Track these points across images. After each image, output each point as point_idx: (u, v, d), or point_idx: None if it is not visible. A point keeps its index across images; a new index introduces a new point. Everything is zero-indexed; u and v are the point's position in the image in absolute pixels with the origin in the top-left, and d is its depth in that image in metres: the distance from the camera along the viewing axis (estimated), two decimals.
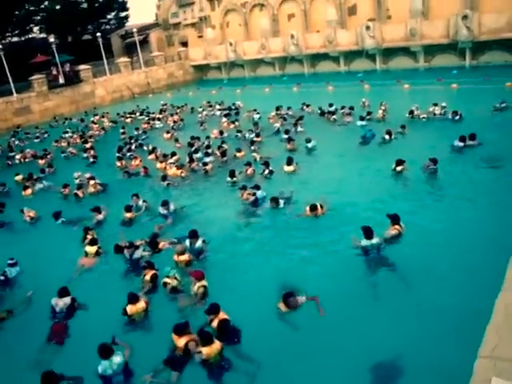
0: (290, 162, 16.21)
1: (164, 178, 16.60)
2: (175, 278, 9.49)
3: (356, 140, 18.86)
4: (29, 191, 17.67)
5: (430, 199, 12.66)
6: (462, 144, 15.90)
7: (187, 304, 9.00)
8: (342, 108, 23.64)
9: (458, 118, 19.75)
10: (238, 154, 18.61)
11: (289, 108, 25.94)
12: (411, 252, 9.87)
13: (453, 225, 10.84)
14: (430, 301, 8.27)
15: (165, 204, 13.66)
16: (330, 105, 24.66)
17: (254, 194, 13.77)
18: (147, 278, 9.74)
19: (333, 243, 10.67)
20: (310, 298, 8.47)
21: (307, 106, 26.10)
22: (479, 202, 11.87)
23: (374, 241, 9.77)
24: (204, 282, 9.15)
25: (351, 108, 23.43)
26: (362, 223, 10.16)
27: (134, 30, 48.59)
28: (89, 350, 7.48)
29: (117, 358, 7.30)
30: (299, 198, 13.52)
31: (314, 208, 11.90)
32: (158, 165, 18.77)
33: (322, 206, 12.02)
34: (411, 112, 21.14)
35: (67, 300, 9.29)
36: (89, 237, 12.07)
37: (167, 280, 9.43)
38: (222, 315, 7.89)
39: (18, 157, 23.96)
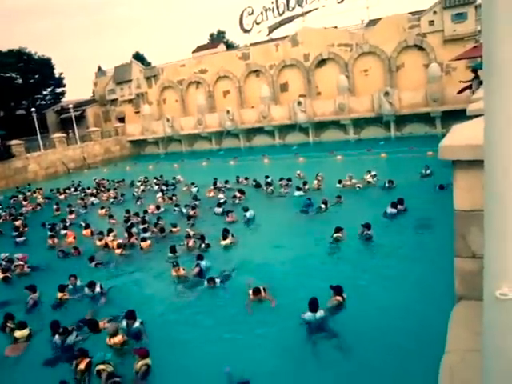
0: (225, 235, 16.09)
1: (92, 258, 15.67)
2: (109, 364, 8.81)
3: (294, 210, 19.25)
4: None
5: (368, 264, 12.92)
6: (394, 210, 16.63)
7: None
8: (281, 180, 24.20)
9: (392, 185, 20.71)
10: (174, 230, 18.35)
11: (226, 181, 26.24)
12: (353, 320, 9.86)
13: (392, 288, 11.05)
14: (374, 369, 8.19)
15: (91, 285, 12.89)
16: (267, 177, 25.26)
17: (198, 265, 13.52)
18: (81, 366, 8.87)
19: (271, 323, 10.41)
20: None
21: (245, 178, 26.46)
22: (416, 264, 12.25)
23: (318, 314, 9.68)
24: (148, 361, 8.78)
25: (289, 179, 24.09)
26: (304, 296, 10.09)
27: (70, 105, 48.53)
28: None
29: None
30: (239, 273, 13.30)
31: (257, 291, 11.19)
32: (98, 242, 17.95)
33: (265, 289, 11.32)
34: (340, 181, 22.18)
35: None
36: (9, 325, 11.18)
37: (101, 367, 8.69)
38: None
39: None
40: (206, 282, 12.39)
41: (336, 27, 44.40)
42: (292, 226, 17.64)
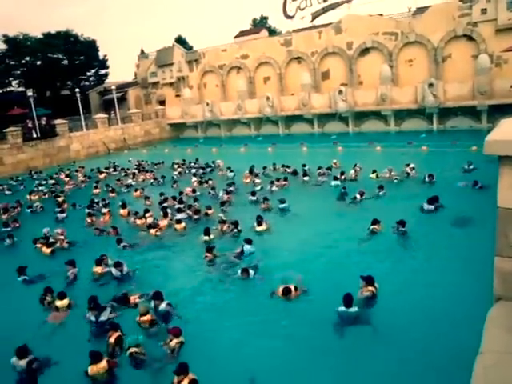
0: (260, 222, 16.19)
1: (120, 240, 15.88)
2: (140, 345, 9.09)
3: (328, 199, 19.13)
4: None
5: (401, 259, 12.75)
6: (432, 207, 16.16)
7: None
8: (319, 168, 23.96)
9: (432, 179, 20.15)
10: (209, 212, 18.52)
11: (265, 167, 26.18)
12: (384, 315, 9.75)
13: (426, 285, 10.86)
14: (405, 365, 8.09)
15: (118, 265, 13.13)
16: (304, 165, 25.11)
17: (242, 247, 13.83)
18: (111, 340, 9.30)
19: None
20: None
21: (282, 166, 26.26)
22: (451, 262, 11.98)
23: (352, 309, 9.60)
24: (182, 339, 9.08)
25: (328, 169, 23.85)
26: (336, 287, 10.02)
27: (113, 87, 49.42)
28: None
29: None
30: (271, 262, 13.23)
31: (287, 291, 10.77)
32: (138, 221, 18.36)
33: (296, 288, 10.94)
34: (374, 172, 22.00)
35: (25, 362, 8.81)
36: (48, 298, 11.69)
37: (134, 349, 8.96)
38: (191, 376, 7.71)
39: None
40: (239, 272, 12.28)
41: (381, 15, 43.24)
42: (326, 215, 17.50)
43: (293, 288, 10.85)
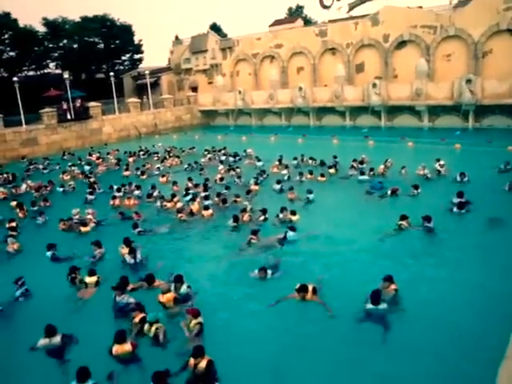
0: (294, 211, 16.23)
1: (135, 225, 15.98)
2: (159, 322, 9.29)
3: (356, 193, 19.00)
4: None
5: (427, 257, 12.53)
6: (462, 207, 15.58)
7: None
8: (354, 161, 23.60)
9: (464, 178, 19.52)
10: (238, 200, 18.60)
11: (295, 158, 25.95)
12: (408, 313, 9.63)
13: (452, 285, 10.70)
14: (430, 366, 7.98)
15: (131, 252, 13.23)
16: (335, 157, 24.87)
17: (285, 233, 14.06)
18: (136, 320, 9.50)
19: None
20: None
21: (310, 158, 25.86)
22: (478, 263, 11.75)
23: (381, 306, 9.49)
24: (200, 319, 9.24)
25: (361, 162, 23.42)
26: (359, 283, 9.91)
27: (147, 72, 49.83)
28: None
29: None
30: (291, 255, 13.16)
31: (302, 289, 10.27)
32: (169, 204, 18.59)
33: (314, 290, 10.38)
34: (403, 167, 21.64)
35: (58, 339, 9.14)
36: (74, 276, 12.00)
37: (156, 325, 9.16)
38: (208, 357, 7.87)
39: (23, 187, 24.13)
40: (256, 271, 11.81)
41: (421, 7, 42.21)
42: (354, 209, 17.36)
43: (310, 288, 10.34)
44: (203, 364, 7.73)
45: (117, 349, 8.56)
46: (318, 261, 12.65)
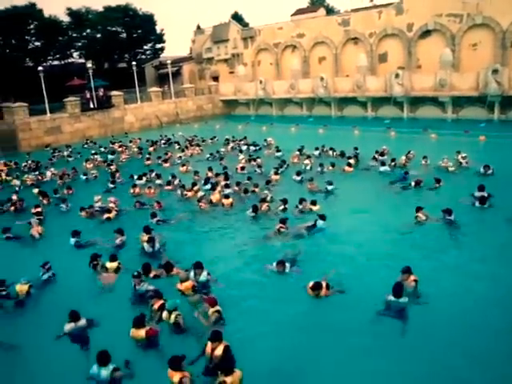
0: (315, 201, 16.29)
1: (154, 214, 15.99)
2: (177, 310, 9.38)
3: (377, 185, 18.92)
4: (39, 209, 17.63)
5: (447, 251, 12.38)
6: (484, 201, 15.19)
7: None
8: (376, 152, 23.32)
9: (488, 171, 19.13)
10: (257, 189, 18.66)
11: (317, 148, 25.85)
12: (426, 307, 9.58)
13: (475, 280, 10.58)
14: (449, 362, 7.95)
15: (150, 241, 13.30)
16: (356, 148, 24.68)
17: (315, 221, 14.15)
18: (155, 307, 9.64)
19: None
20: None
21: (330, 149, 25.67)
22: (499, 259, 11.60)
23: (402, 300, 9.42)
24: (218, 308, 9.32)
25: (381, 154, 23.16)
26: (376, 276, 9.89)
27: (168, 61, 50.04)
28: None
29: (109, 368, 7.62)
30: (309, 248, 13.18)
31: (316, 287, 10.15)
32: (189, 193, 18.78)
33: (327, 286, 10.27)
34: (424, 157, 21.44)
35: (84, 321, 9.38)
36: (96, 263, 12.23)
37: (175, 313, 9.23)
38: (225, 342, 7.97)
39: (48, 174, 24.75)
40: (274, 264, 11.59)
41: None
42: (375, 200, 17.28)
43: (324, 284, 10.22)
44: (220, 349, 7.82)
45: (133, 332, 8.77)
46: (336, 253, 12.61)
